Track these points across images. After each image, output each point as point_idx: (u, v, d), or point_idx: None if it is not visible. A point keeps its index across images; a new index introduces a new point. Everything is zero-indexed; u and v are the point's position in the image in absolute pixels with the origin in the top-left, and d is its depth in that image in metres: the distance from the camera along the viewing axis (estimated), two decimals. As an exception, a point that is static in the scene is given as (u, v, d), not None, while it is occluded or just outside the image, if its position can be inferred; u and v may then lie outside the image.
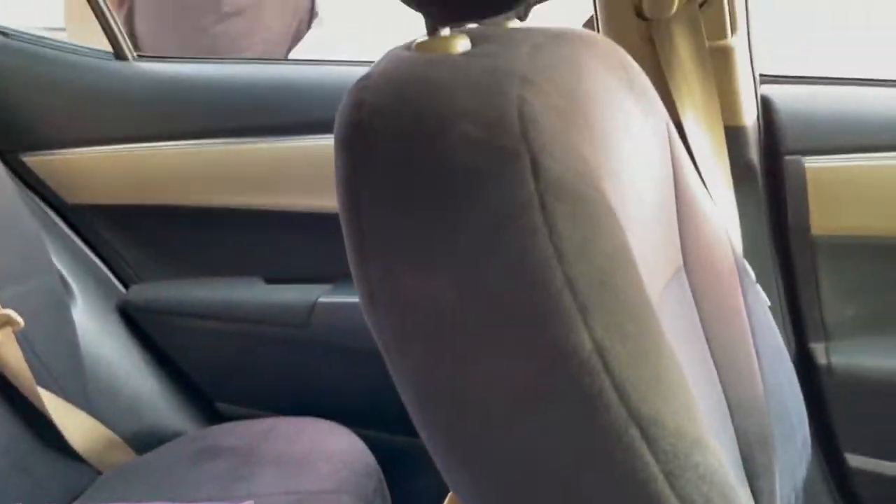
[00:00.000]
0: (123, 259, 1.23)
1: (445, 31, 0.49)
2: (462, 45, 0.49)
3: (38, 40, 1.20)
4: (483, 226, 0.41)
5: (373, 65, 0.48)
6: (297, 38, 1.45)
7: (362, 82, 0.46)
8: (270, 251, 1.18)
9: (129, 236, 1.22)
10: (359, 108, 0.45)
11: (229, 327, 1.18)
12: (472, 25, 0.55)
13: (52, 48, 1.19)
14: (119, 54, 1.16)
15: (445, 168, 0.42)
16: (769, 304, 0.78)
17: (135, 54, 1.17)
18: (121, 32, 1.16)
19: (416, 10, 0.48)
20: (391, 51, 0.50)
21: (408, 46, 0.50)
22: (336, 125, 0.46)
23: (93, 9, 1.16)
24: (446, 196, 0.42)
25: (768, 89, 0.97)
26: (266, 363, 1.20)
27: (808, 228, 0.94)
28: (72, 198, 1.20)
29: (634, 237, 0.50)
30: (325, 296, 1.13)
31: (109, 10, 1.16)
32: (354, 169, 0.44)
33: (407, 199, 0.43)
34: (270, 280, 1.18)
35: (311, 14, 1.47)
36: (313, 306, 1.13)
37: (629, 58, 0.65)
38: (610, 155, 0.50)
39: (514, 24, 0.60)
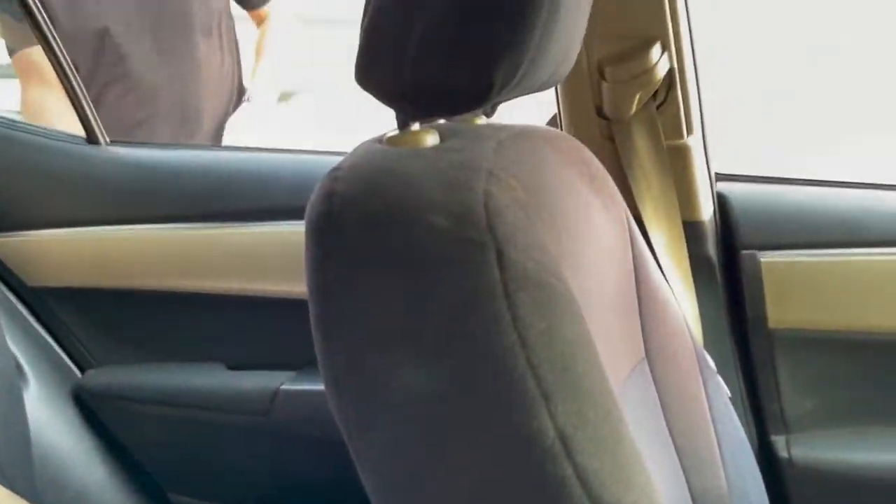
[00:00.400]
0: (81, 343, 1.20)
1: (415, 126, 0.51)
2: (431, 139, 0.51)
3: (10, 123, 1.21)
4: (449, 313, 0.43)
5: (344, 157, 0.50)
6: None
7: (334, 173, 0.48)
8: (233, 337, 1.17)
9: (88, 320, 1.19)
10: (330, 198, 0.46)
11: (186, 414, 1.15)
12: (441, 121, 0.57)
13: (25, 131, 1.20)
14: (91, 139, 1.17)
15: (414, 257, 0.43)
16: (730, 395, 0.79)
17: (107, 139, 1.19)
18: (94, 117, 1.17)
19: (388, 106, 0.50)
20: (362, 143, 0.52)
21: (379, 139, 0.52)
22: (307, 214, 0.47)
23: (67, 92, 1.18)
24: (414, 284, 0.43)
25: (724, 186, 1.01)
26: (225, 453, 1.17)
27: (765, 321, 0.97)
28: (32, 280, 1.18)
29: (596, 326, 0.51)
30: (288, 383, 1.11)
31: (84, 95, 1.18)
32: (324, 256, 0.45)
33: (375, 286, 0.44)
34: (232, 366, 1.16)
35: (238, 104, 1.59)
36: (275, 394, 1.11)
37: (590, 154, 0.68)
38: (572, 247, 0.52)
39: (482, 119, 0.63)
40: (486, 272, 0.42)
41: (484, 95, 0.48)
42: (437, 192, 0.45)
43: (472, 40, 0.46)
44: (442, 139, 0.51)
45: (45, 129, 1.20)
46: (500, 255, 0.43)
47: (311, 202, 0.47)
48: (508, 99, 0.55)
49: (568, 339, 0.44)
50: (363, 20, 0.49)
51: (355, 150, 0.51)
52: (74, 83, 1.17)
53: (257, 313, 1.13)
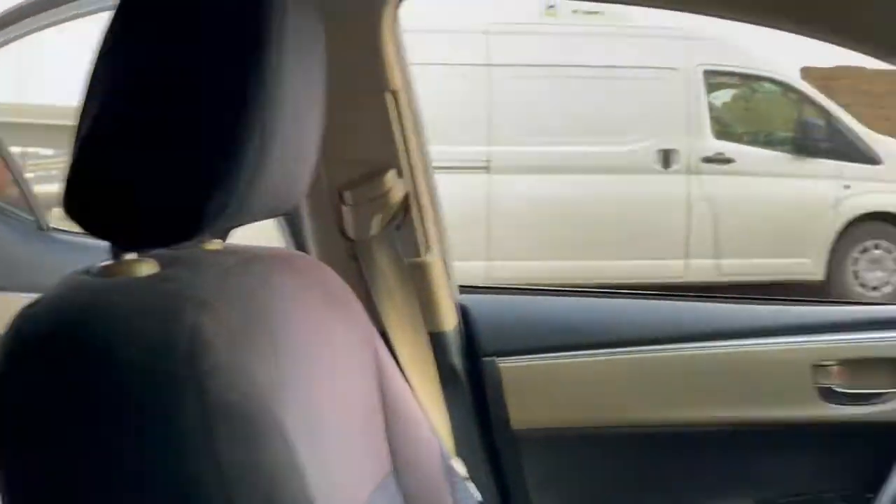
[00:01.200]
0: None
1: (132, 255, 0.49)
2: (147, 269, 0.49)
3: None
4: (143, 456, 0.41)
5: (47, 291, 0.47)
6: None
7: (26, 311, 0.44)
8: None
9: None
10: (16, 337, 0.43)
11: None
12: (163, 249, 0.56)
13: None
14: None
15: (102, 399, 0.41)
16: (480, 500, 0.82)
17: None
18: None
19: (98, 237, 0.48)
20: (69, 274, 0.49)
21: (87, 270, 0.49)
22: None
23: None
24: (102, 429, 0.41)
25: (466, 298, 1.08)
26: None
27: (508, 423, 1.02)
28: None
29: (331, 448, 0.51)
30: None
31: None
32: (5, 407, 0.42)
33: (57, 435, 0.41)
34: None
35: None
36: None
37: (332, 274, 0.69)
38: (298, 372, 0.52)
39: (215, 244, 0.62)
40: (183, 407, 0.41)
41: (195, 226, 0.47)
42: (138, 325, 0.43)
43: (180, 172, 0.46)
44: (162, 267, 0.50)
45: None
46: (200, 388, 0.42)
47: (1, 341, 0.43)
48: (235, 226, 0.56)
49: (270, 471, 0.43)
50: (70, 154, 0.47)
51: (60, 282, 0.48)
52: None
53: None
